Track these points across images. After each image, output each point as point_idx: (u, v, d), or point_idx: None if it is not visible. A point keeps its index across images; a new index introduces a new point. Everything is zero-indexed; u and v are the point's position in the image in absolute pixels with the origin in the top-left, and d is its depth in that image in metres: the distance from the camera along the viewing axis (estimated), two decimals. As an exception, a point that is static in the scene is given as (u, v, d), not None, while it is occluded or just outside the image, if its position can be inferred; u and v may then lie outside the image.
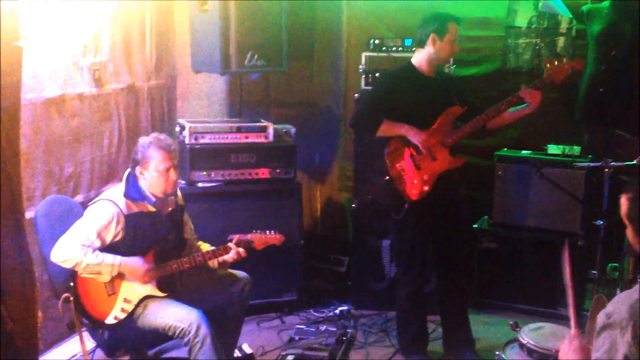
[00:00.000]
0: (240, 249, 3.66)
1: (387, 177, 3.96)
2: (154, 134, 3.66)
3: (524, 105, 3.91)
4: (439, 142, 3.92)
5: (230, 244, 3.67)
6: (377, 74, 4.85)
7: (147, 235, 3.54)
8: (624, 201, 2.46)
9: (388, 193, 4.05)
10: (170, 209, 3.70)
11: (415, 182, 3.90)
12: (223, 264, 3.76)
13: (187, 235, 3.83)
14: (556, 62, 3.84)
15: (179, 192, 3.81)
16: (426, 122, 3.92)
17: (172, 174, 3.58)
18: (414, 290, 4.12)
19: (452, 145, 3.96)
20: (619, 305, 2.24)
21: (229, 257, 3.68)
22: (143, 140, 3.62)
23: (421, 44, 3.97)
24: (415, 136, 3.87)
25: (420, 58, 4.00)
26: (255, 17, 4.73)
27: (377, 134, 3.94)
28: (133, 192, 3.54)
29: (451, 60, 4.09)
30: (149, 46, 5.08)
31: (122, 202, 3.50)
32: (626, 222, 2.45)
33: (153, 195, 3.58)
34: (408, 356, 4.24)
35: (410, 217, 3.95)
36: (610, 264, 4.68)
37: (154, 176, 3.54)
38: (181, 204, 3.82)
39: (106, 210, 3.46)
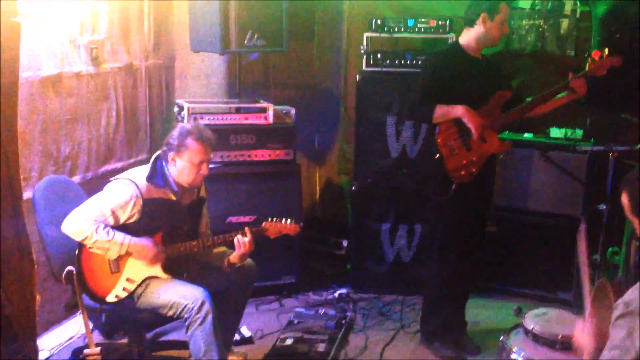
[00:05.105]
0: (246, 239, 3.54)
1: (437, 156, 3.84)
2: (196, 124, 3.57)
3: (563, 93, 3.90)
4: (489, 125, 3.85)
5: (247, 228, 3.57)
6: (378, 55, 4.79)
7: (162, 222, 3.48)
8: (624, 199, 2.40)
9: (435, 173, 3.93)
10: (190, 200, 3.63)
11: (465, 162, 3.83)
12: (230, 265, 3.67)
13: (202, 229, 3.76)
14: (598, 58, 3.82)
15: (203, 184, 3.72)
16: (476, 104, 3.84)
17: (204, 168, 3.51)
18: (449, 276, 4.04)
19: (500, 129, 3.92)
20: (637, 293, 2.21)
21: (235, 256, 3.60)
22: (183, 127, 3.55)
23: (470, 23, 3.88)
24: (470, 120, 3.77)
25: (468, 38, 3.92)
26: (255, -5, 4.66)
27: (434, 121, 3.84)
28: (157, 177, 3.48)
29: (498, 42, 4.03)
30: (147, 25, 4.99)
31: (143, 185, 3.44)
32: (633, 219, 2.39)
33: (177, 184, 3.52)
34: (431, 344, 4.18)
35: (454, 200, 3.87)
36: (610, 249, 4.65)
37: (186, 167, 3.47)
38: (203, 196, 3.74)
39: (126, 190, 3.41)
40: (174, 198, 3.52)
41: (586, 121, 5.03)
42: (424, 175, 4.30)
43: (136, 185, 3.42)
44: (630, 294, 2.24)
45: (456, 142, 3.83)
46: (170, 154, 3.49)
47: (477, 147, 3.84)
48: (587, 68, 3.84)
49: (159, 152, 3.57)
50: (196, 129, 3.53)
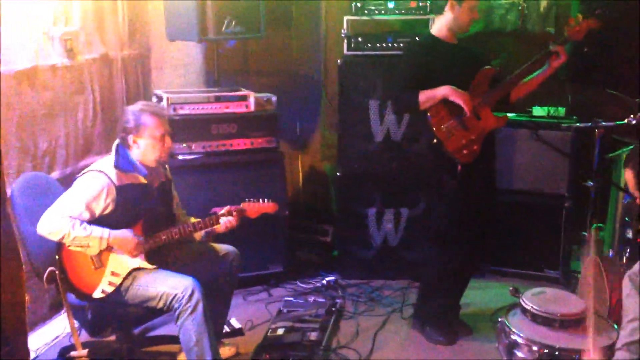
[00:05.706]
0: (230, 218, 3.55)
1: (435, 141, 3.79)
2: (141, 102, 3.54)
3: (544, 67, 3.86)
4: (481, 102, 3.81)
5: (221, 212, 3.56)
6: (359, 38, 4.73)
7: (137, 207, 3.42)
8: (629, 175, 2.40)
9: (437, 158, 3.88)
10: (159, 182, 3.59)
11: (465, 142, 3.78)
12: (208, 235, 3.66)
13: (175, 210, 3.72)
14: (574, 22, 3.80)
15: (167, 166, 3.70)
16: (462, 87, 3.80)
17: (167, 141, 3.48)
18: (452, 261, 3.99)
19: (493, 104, 3.87)
20: None
21: (220, 227, 3.58)
22: (133, 108, 3.49)
23: (440, 10, 3.87)
24: (457, 97, 3.74)
25: (440, 26, 3.91)
26: (231, -19, 4.56)
27: (421, 107, 3.78)
28: (124, 162, 3.42)
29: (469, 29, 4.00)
30: (122, 14, 4.88)
31: (112, 173, 3.37)
32: (636, 194, 2.39)
33: (144, 166, 3.47)
34: (423, 329, 4.17)
35: (461, 183, 3.82)
36: (594, 225, 4.67)
37: (149, 144, 3.43)
38: (169, 177, 3.71)
39: (96, 181, 3.34)
40: (144, 181, 3.47)
41: (568, 98, 5.04)
42: (419, 163, 4.23)
43: (105, 174, 3.36)
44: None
45: (451, 123, 3.78)
46: (130, 137, 3.44)
47: (473, 125, 3.80)
48: (565, 34, 3.82)
49: (117, 140, 3.51)
50: (147, 106, 3.52)
